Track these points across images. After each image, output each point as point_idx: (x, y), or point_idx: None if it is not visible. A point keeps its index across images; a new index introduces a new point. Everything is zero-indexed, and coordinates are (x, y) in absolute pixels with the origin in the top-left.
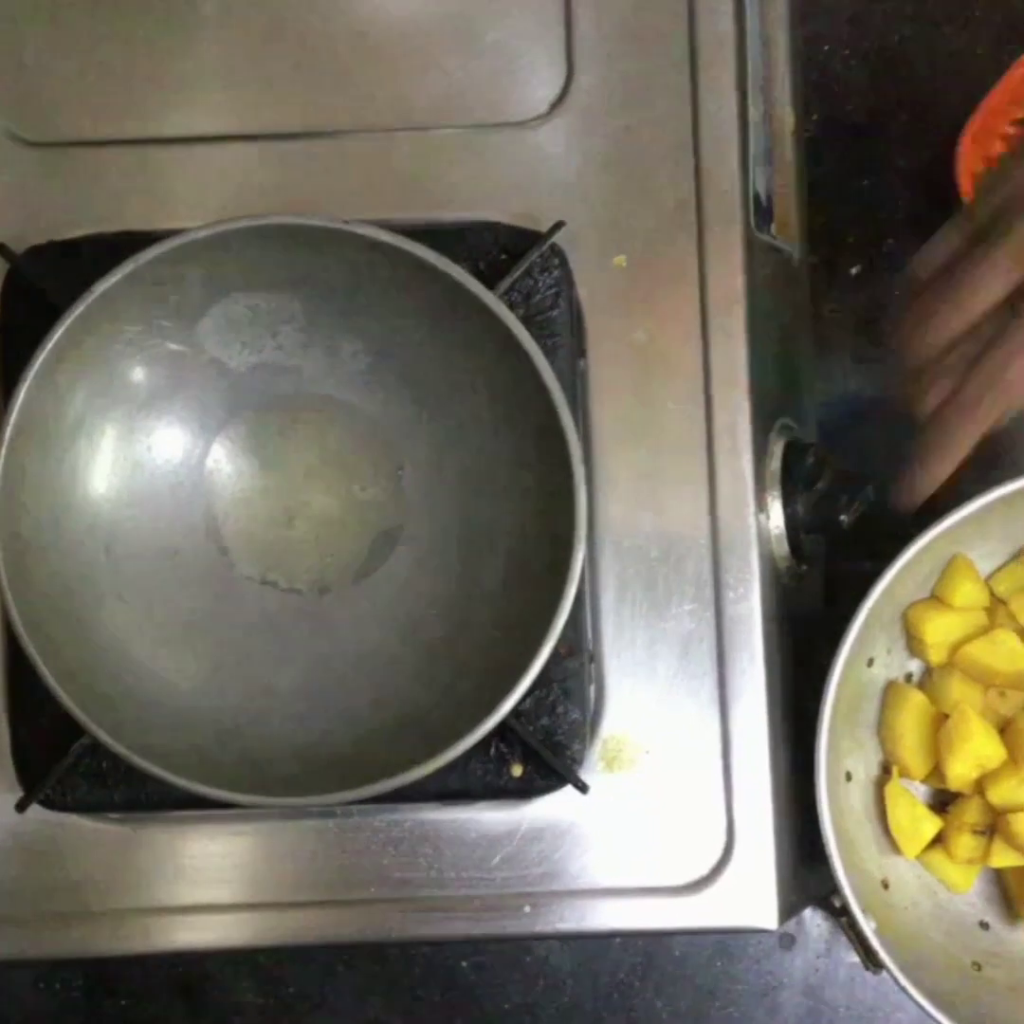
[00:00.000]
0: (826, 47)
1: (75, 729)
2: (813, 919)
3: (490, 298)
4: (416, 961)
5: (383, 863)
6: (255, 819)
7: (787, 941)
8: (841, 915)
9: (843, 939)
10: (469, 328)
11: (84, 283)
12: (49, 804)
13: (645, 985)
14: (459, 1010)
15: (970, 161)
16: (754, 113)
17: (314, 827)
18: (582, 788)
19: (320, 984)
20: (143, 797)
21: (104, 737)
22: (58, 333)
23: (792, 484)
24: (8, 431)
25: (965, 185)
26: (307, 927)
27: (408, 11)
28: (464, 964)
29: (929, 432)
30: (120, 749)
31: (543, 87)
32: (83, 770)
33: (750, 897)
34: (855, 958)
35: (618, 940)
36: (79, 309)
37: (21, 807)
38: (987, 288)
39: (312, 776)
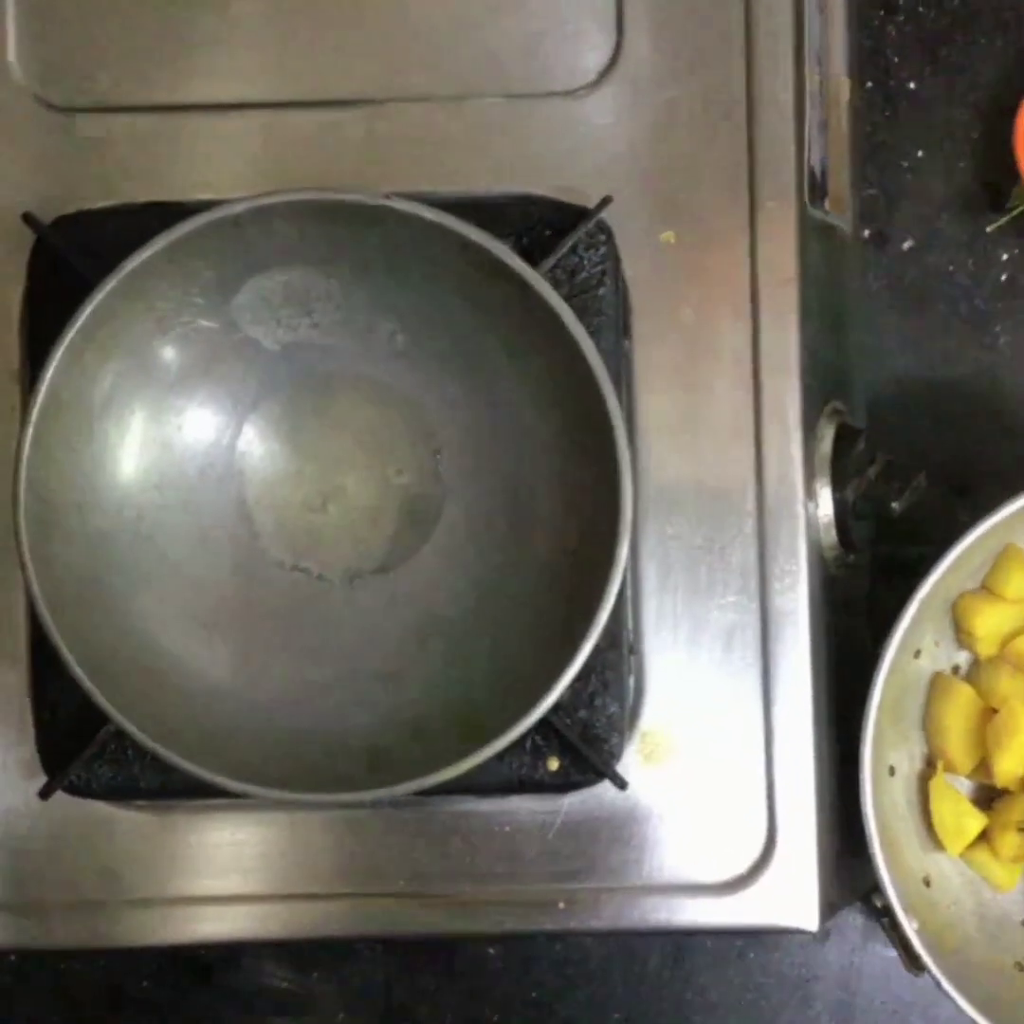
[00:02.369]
0: (881, 12)
1: (101, 715)
2: (849, 911)
3: (533, 277)
4: (443, 947)
5: (413, 855)
6: (282, 808)
7: (822, 934)
8: (883, 916)
9: (879, 932)
10: (511, 307)
11: (113, 255)
12: (74, 790)
13: (676, 975)
14: (486, 998)
15: None
16: (811, 84)
17: (343, 817)
18: (621, 784)
19: (344, 969)
20: (169, 784)
21: (128, 726)
22: (87, 311)
23: (842, 470)
24: (34, 412)
25: (1023, 161)
26: (334, 920)
27: None
28: (491, 951)
29: None
30: (145, 739)
31: (591, 54)
32: (108, 757)
33: (790, 896)
34: (891, 951)
35: None
36: (109, 286)
37: (45, 794)
38: None
39: (344, 769)
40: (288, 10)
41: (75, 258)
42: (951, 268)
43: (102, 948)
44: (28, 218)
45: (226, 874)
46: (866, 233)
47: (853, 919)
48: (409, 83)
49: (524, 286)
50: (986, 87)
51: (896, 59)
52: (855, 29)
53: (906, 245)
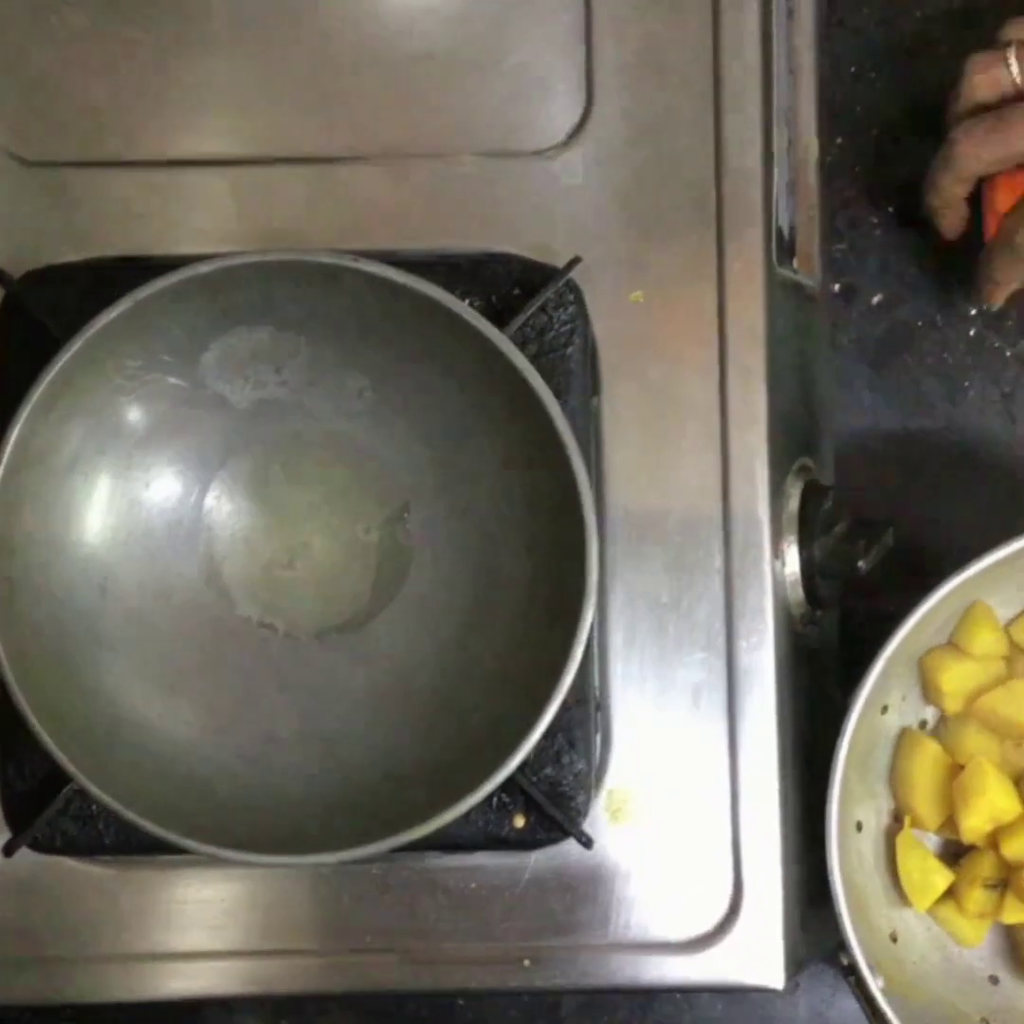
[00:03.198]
0: (851, 68)
1: (65, 773)
2: (819, 962)
3: (502, 340)
4: (412, 996)
5: (380, 911)
6: (249, 864)
7: (791, 985)
8: (849, 974)
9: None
10: (480, 368)
11: (82, 311)
12: (38, 846)
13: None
14: None
15: (994, 191)
16: (778, 145)
17: (309, 873)
18: (586, 843)
19: (315, 1019)
20: (134, 840)
21: (93, 789)
22: (54, 370)
23: (809, 528)
24: (0, 470)
25: (990, 220)
26: (301, 976)
27: (423, 33)
28: (460, 1002)
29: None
30: (109, 801)
31: (561, 115)
32: (73, 813)
33: (757, 954)
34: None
35: None
36: (76, 346)
37: (8, 851)
38: None
39: (310, 830)
40: (261, 67)
41: (43, 314)
42: (920, 323)
43: (66, 1004)
44: None
45: (192, 930)
46: (836, 287)
47: (823, 970)
48: (381, 141)
49: (491, 348)
50: None
51: (866, 115)
52: (826, 87)
53: (875, 299)
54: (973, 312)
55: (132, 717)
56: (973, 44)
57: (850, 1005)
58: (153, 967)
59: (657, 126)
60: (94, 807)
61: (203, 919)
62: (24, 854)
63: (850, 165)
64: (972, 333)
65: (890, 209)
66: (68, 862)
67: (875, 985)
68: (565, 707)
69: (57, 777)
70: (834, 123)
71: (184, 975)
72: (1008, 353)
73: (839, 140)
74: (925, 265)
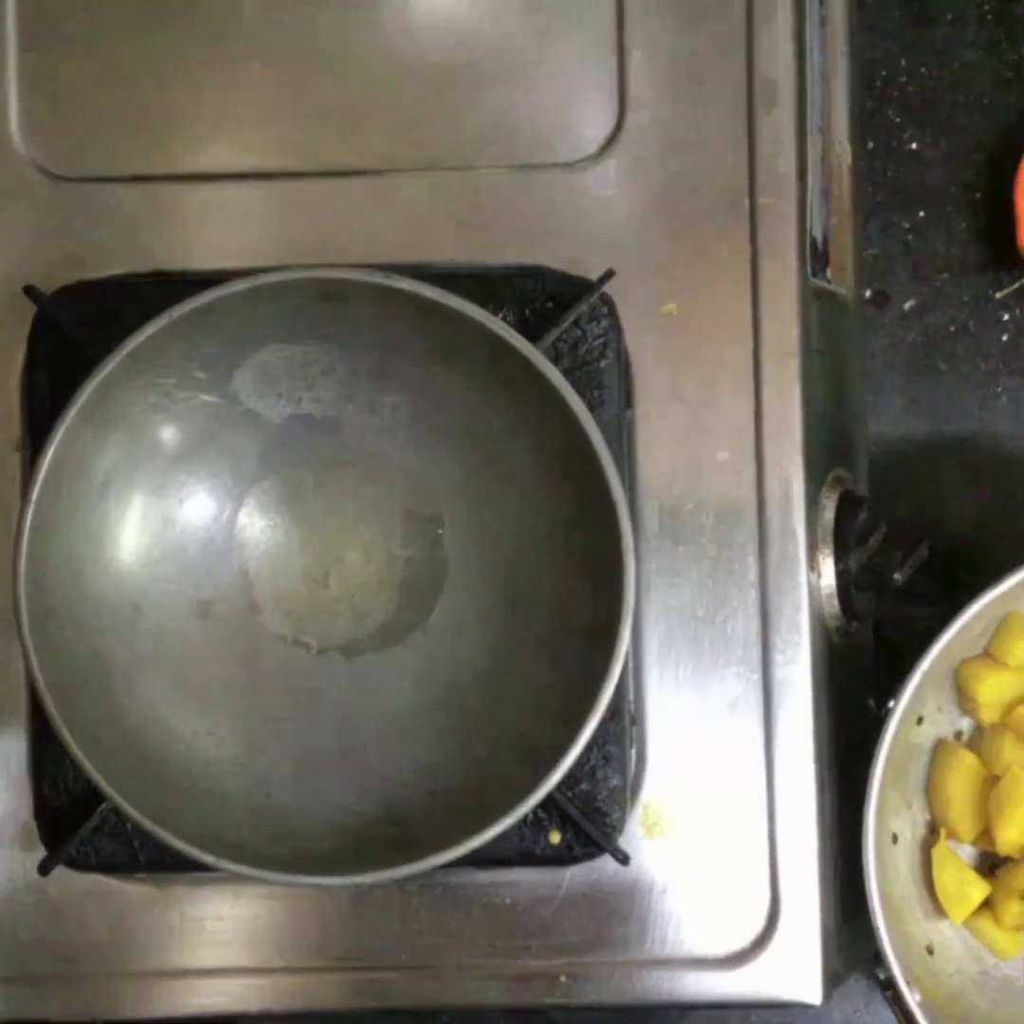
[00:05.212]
0: (883, 73)
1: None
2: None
3: (535, 355)
4: (446, 1011)
5: (414, 928)
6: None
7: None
8: (886, 988)
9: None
10: (513, 383)
11: (115, 326)
12: (73, 864)
13: None
14: None
15: None
16: (813, 154)
17: (345, 890)
18: (622, 859)
19: None
20: (168, 858)
21: (128, 808)
22: (87, 391)
23: (845, 540)
24: (36, 490)
25: (1023, 221)
26: (335, 993)
27: (454, 45)
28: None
29: None
30: (144, 821)
31: (593, 127)
32: (108, 831)
33: (794, 970)
34: None
35: None
36: (111, 365)
37: (44, 869)
38: None
39: (345, 850)
40: (291, 81)
41: (76, 331)
42: (953, 328)
43: (101, 1021)
44: (29, 291)
45: (226, 946)
46: (868, 293)
47: (857, 980)
48: (412, 154)
49: (525, 363)
50: (988, 147)
51: (898, 119)
52: (857, 92)
53: (908, 305)
54: (1006, 317)
55: (166, 735)
56: (1004, 49)
57: (884, 1014)
58: (188, 984)
59: (690, 137)
60: (129, 825)
61: (237, 935)
62: (60, 872)
63: (882, 169)
64: (1005, 338)
65: (921, 213)
66: (103, 880)
67: (913, 1000)
68: (601, 722)
69: (92, 795)
70: (865, 128)
71: (220, 992)
72: None
73: (870, 145)
74: (957, 270)
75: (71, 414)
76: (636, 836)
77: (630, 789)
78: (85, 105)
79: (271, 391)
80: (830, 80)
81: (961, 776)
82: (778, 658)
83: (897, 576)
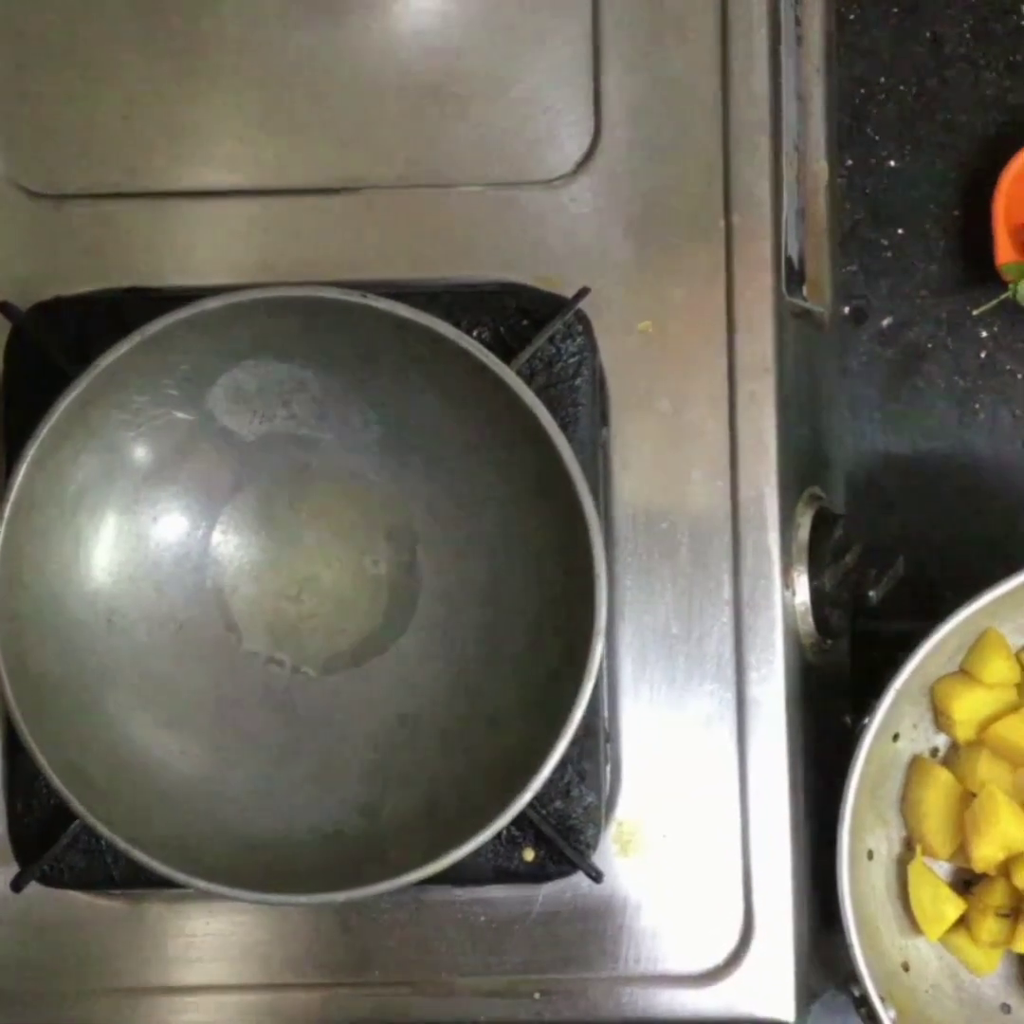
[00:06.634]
0: (862, 90)
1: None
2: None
3: (508, 374)
4: None
5: (389, 945)
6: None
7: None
8: (860, 1005)
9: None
10: (487, 401)
11: (90, 344)
12: (47, 881)
13: None
14: None
15: (1008, 211)
16: (788, 173)
17: (318, 907)
18: (596, 877)
19: None
20: (143, 875)
21: (101, 828)
22: (61, 408)
23: (820, 557)
24: (7, 509)
25: (1001, 239)
26: (309, 1010)
27: (430, 64)
28: None
29: None
30: (117, 840)
31: (569, 145)
32: (81, 847)
33: (768, 987)
34: None
35: None
36: (84, 383)
37: (17, 886)
38: None
39: (318, 868)
40: (270, 98)
41: (51, 347)
42: (931, 345)
43: None
44: (5, 307)
45: (201, 964)
46: (845, 310)
47: (833, 997)
48: (389, 172)
49: (498, 381)
50: (966, 165)
51: (877, 137)
52: (836, 110)
53: (886, 322)
54: (984, 335)
55: (139, 753)
56: (983, 67)
57: None
58: (163, 1001)
59: (665, 155)
60: (102, 842)
61: (212, 952)
62: (34, 888)
63: (861, 187)
64: (983, 356)
65: (900, 231)
66: (76, 896)
67: (887, 1017)
68: (574, 739)
69: (65, 812)
70: (845, 145)
71: (194, 1009)
72: (1020, 375)
73: (849, 162)
74: (935, 288)
75: (44, 431)
76: (610, 853)
77: (604, 806)
78: (62, 122)
79: (246, 408)
80: (807, 100)
81: (937, 793)
82: (753, 676)
83: (872, 593)
